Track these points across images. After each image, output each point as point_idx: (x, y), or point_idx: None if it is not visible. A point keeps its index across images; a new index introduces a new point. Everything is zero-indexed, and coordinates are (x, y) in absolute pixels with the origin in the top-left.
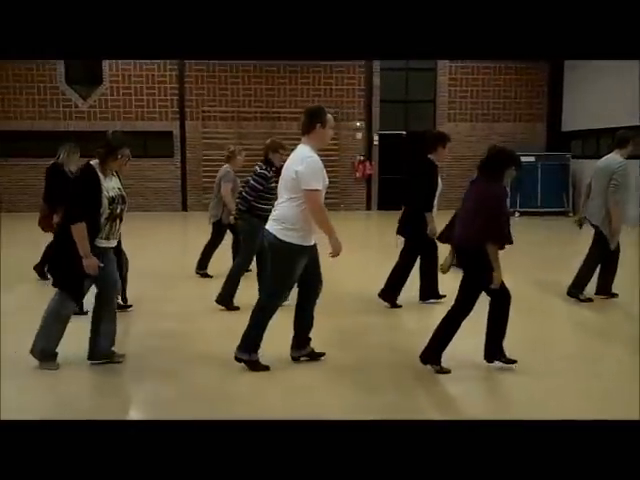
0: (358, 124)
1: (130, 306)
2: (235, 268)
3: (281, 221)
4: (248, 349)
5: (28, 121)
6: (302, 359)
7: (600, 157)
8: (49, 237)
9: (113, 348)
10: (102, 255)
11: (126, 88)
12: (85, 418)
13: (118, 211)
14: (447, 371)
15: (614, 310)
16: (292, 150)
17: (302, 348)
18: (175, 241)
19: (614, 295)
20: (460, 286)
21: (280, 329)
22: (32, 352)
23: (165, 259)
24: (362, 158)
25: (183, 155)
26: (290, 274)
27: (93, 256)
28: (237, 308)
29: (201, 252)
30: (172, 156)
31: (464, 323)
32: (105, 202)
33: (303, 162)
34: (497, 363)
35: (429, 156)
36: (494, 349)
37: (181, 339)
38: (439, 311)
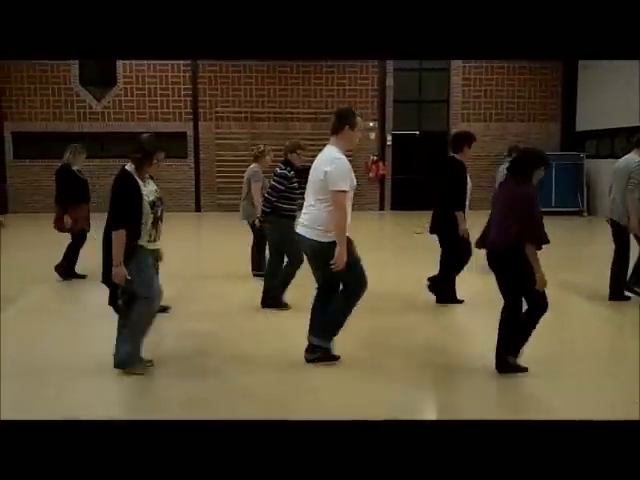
0: (371, 124)
1: (169, 308)
2: (285, 270)
3: (316, 225)
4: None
5: (42, 122)
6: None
7: (615, 157)
8: (66, 237)
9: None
10: (149, 258)
11: (140, 89)
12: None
13: (159, 214)
14: (524, 369)
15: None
16: (319, 151)
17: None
18: (191, 241)
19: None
20: (502, 291)
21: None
22: (118, 366)
23: (183, 259)
24: (375, 158)
25: (197, 156)
26: (352, 263)
27: (124, 268)
28: (285, 305)
29: (251, 254)
30: (186, 157)
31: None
32: (147, 208)
33: (332, 163)
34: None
35: (455, 155)
36: (511, 348)
37: (217, 339)
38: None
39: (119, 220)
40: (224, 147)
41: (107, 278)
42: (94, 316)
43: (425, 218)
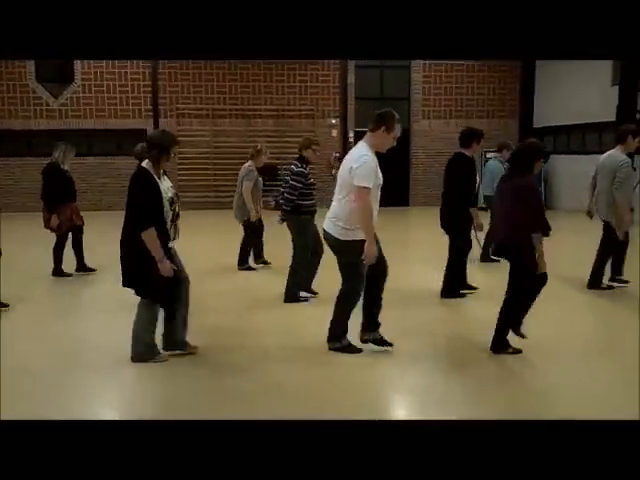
0: (334, 121)
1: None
2: (295, 265)
3: (336, 220)
4: (338, 337)
5: None
6: (369, 341)
7: (571, 153)
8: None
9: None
10: (172, 257)
11: (98, 86)
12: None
13: (177, 210)
14: (519, 350)
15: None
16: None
17: (372, 330)
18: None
19: (627, 282)
20: (512, 277)
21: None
22: (133, 359)
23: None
24: (338, 155)
25: None
26: (358, 266)
27: (167, 259)
28: (315, 293)
29: (240, 249)
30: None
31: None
32: (167, 205)
33: (359, 160)
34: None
35: (464, 151)
36: (513, 325)
37: (237, 334)
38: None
39: (146, 220)
40: (185, 144)
41: (128, 281)
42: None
43: (385, 214)
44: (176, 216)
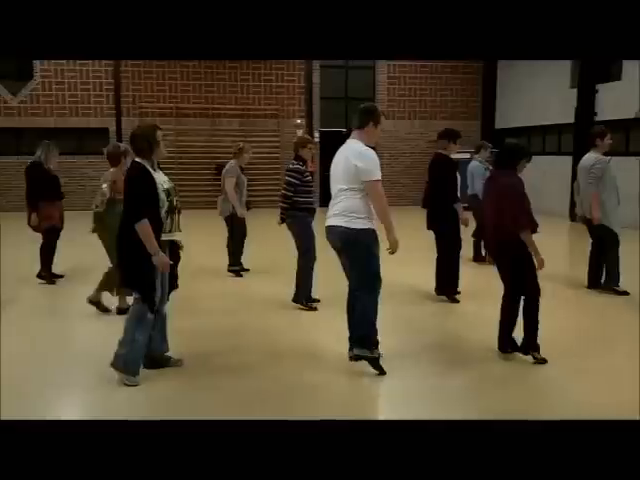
0: (299, 121)
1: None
2: (303, 265)
3: (348, 212)
4: (368, 345)
5: None
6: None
7: (532, 154)
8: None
9: (169, 353)
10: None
11: (59, 83)
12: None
13: (175, 203)
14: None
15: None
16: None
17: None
18: None
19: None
20: (506, 278)
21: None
22: (114, 365)
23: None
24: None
25: None
26: (373, 257)
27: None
28: (317, 301)
29: (227, 248)
30: None
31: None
32: (163, 196)
33: (362, 155)
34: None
35: (443, 152)
36: (531, 343)
37: (234, 335)
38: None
39: (138, 212)
40: None
41: (127, 281)
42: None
43: None
44: (175, 209)
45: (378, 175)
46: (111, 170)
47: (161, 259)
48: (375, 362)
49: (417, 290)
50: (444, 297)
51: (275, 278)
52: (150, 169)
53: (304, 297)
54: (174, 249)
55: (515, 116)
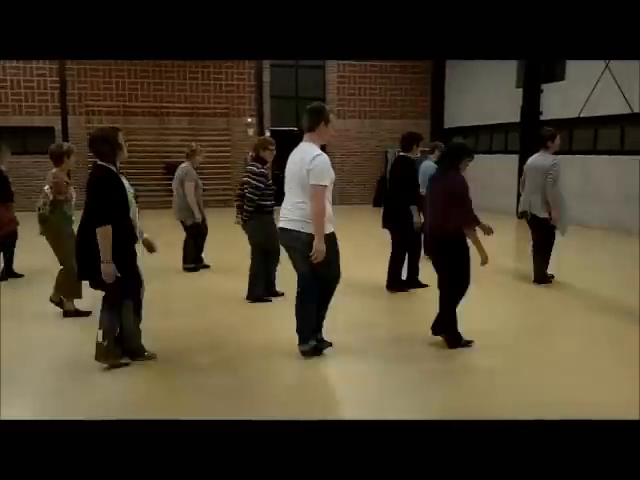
0: (249, 120)
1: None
2: (256, 263)
3: (300, 217)
4: (305, 339)
5: None
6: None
7: (479, 153)
8: None
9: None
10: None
11: (1, 81)
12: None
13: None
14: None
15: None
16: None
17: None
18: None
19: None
20: (442, 273)
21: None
22: (98, 358)
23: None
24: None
25: None
26: (325, 260)
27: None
28: (280, 294)
29: (183, 249)
30: None
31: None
32: (132, 200)
33: (314, 160)
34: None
35: (406, 154)
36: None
37: (198, 335)
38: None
39: (105, 216)
40: None
41: (84, 274)
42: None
43: None
44: (137, 213)
45: (323, 182)
46: (53, 170)
47: (110, 268)
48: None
49: (369, 286)
50: (397, 293)
51: (234, 276)
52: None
53: (260, 292)
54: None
55: (463, 115)
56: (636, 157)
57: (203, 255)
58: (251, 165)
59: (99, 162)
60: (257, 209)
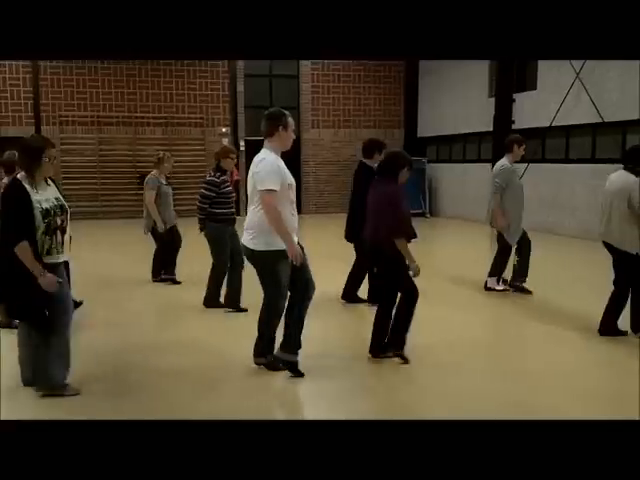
0: (224, 129)
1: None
2: (214, 272)
3: (250, 230)
4: (263, 353)
5: None
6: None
7: (453, 162)
8: None
9: (67, 380)
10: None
11: None
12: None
13: (59, 222)
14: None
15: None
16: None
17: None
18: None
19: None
20: (381, 283)
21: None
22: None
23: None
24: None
25: None
26: (277, 278)
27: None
28: (244, 310)
29: (152, 260)
30: None
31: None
32: (39, 216)
33: (259, 164)
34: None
35: (367, 161)
36: (396, 342)
37: (151, 351)
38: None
39: (14, 234)
40: (70, 153)
41: (12, 312)
42: None
43: None
44: (55, 229)
45: (269, 185)
46: (3, 180)
47: (47, 279)
48: (274, 366)
49: (330, 296)
50: (357, 304)
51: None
52: (28, 186)
53: (215, 299)
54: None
55: (437, 124)
56: (607, 165)
57: (176, 270)
58: (211, 175)
59: (18, 175)
60: (210, 217)
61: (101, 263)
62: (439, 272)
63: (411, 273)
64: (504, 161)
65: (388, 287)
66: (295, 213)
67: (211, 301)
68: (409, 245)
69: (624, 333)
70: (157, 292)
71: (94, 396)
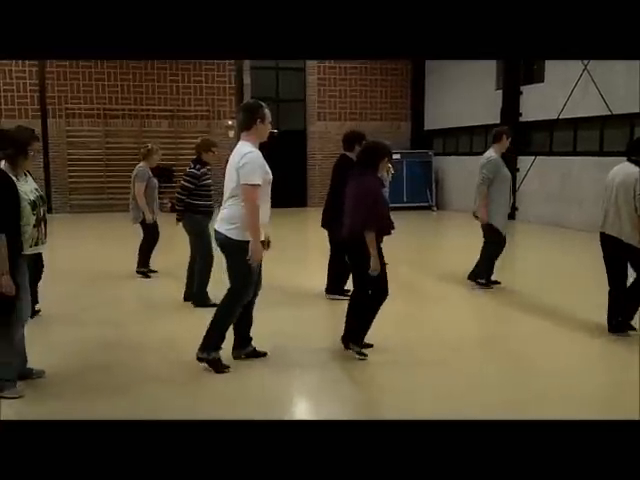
0: (230, 122)
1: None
2: (199, 266)
3: (230, 221)
4: (209, 348)
5: None
6: (243, 357)
7: (460, 154)
8: None
9: (29, 365)
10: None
11: None
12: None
13: (42, 214)
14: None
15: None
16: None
17: (243, 348)
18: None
19: (497, 282)
20: (353, 275)
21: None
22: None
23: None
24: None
25: (46, 154)
26: (248, 270)
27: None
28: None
29: (138, 252)
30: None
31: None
32: (28, 208)
33: (244, 157)
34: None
35: (347, 153)
36: (354, 337)
37: (125, 350)
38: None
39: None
40: (76, 145)
41: None
42: None
43: (283, 215)
44: (40, 220)
45: (254, 180)
46: None
47: (7, 281)
48: (216, 364)
49: (310, 290)
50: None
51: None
52: (13, 177)
53: (201, 296)
54: (39, 263)
55: (444, 117)
56: (614, 158)
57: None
58: (191, 167)
59: (1, 165)
60: (189, 209)
61: (104, 256)
62: (444, 266)
63: (371, 269)
64: (491, 152)
65: (358, 281)
66: (269, 206)
67: (201, 300)
68: (387, 237)
69: (633, 328)
70: (143, 285)
71: (94, 390)
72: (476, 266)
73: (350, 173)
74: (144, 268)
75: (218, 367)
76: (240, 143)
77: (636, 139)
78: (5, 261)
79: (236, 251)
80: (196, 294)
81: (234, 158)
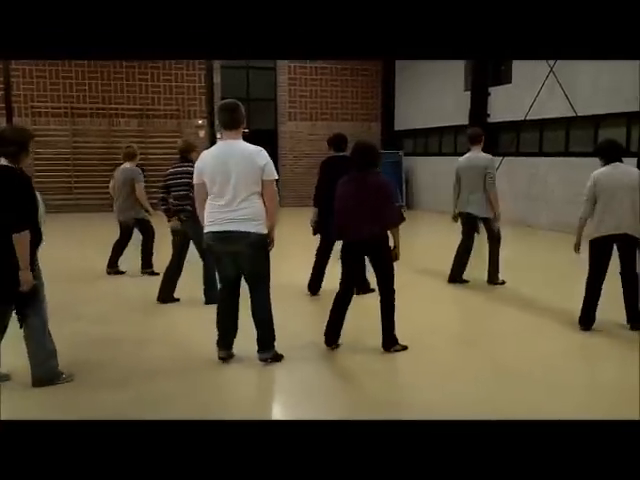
0: (200, 122)
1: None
2: (205, 266)
3: (256, 218)
4: (270, 346)
5: None
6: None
7: (429, 154)
8: None
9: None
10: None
11: None
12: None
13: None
14: (404, 347)
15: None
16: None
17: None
18: None
19: (503, 282)
20: (379, 275)
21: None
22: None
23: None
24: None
25: None
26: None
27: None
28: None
29: (141, 253)
30: None
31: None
32: (42, 208)
33: (264, 155)
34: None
35: (337, 155)
36: (393, 338)
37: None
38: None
39: (23, 220)
40: (43, 144)
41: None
42: None
43: None
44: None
45: (276, 175)
46: None
47: (28, 276)
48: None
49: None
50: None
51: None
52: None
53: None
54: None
55: (414, 118)
56: (580, 158)
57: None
58: (185, 166)
59: (5, 163)
60: (192, 217)
61: (78, 257)
62: (423, 264)
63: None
64: (481, 152)
65: (389, 278)
66: None
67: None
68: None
69: None
70: (141, 284)
71: (93, 387)
72: (489, 269)
73: (344, 174)
74: (148, 269)
75: (280, 357)
76: (237, 141)
77: (604, 141)
78: (28, 257)
79: (265, 245)
80: (208, 292)
81: (246, 154)
